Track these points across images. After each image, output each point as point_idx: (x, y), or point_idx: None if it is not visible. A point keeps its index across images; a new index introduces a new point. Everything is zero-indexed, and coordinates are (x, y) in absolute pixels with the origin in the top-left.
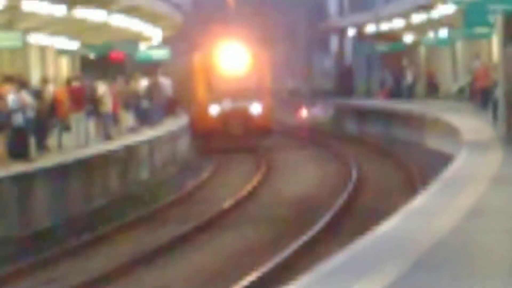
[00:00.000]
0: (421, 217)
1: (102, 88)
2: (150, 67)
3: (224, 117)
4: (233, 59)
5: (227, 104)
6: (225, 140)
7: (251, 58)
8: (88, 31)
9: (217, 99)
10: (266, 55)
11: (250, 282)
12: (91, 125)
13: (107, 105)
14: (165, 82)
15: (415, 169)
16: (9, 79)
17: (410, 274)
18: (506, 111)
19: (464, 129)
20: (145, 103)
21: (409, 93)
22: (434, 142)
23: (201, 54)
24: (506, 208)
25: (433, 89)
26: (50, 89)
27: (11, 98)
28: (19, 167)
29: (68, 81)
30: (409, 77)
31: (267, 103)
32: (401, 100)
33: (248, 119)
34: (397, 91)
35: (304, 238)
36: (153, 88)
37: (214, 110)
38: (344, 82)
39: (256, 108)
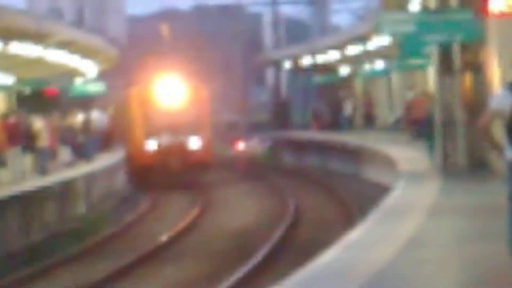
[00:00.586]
0: (359, 248)
1: (39, 123)
2: (86, 102)
3: (162, 152)
4: (171, 92)
5: (165, 139)
6: (163, 175)
7: (189, 91)
8: (23, 66)
9: (154, 134)
10: (204, 88)
11: None
12: (27, 160)
13: (44, 140)
14: (100, 116)
15: (353, 201)
16: None
17: None
18: (442, 141)
19: (400, 160)
20: (81, 138)
21: (348, 124)
22: (370, 173)
23: (138, 88)
24: (443, 239)
25: (370, 120)
26: None
27: None
28: None
29: (5, 116)
30: (348, 109)
31: (207, 137)
32: (339, 132)
33: (186, 154)
34: (334, 123)
35: (244, 270)
36: (88, 123)
37: (151, 145)
38: (281, 114)
39: (195, 143)
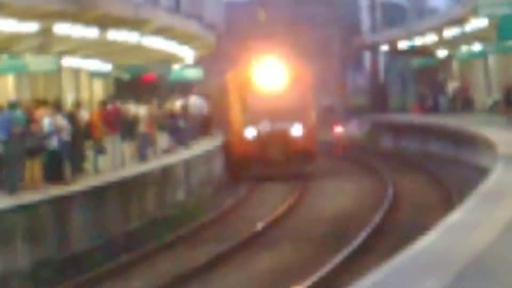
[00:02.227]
0: (459, 232)
1: (138, 109)
2: (184, 88)
3: (262, 140)
4: (271, 76)
5: (265, 126)
6: (263, 166)
7: (291, 75)
8: (121, 53)
9: (253, 121)
10: (308, 71)
11: None
12: (126, 147)
13: (143, 127)
14: (199, 102)
15: (452, 184)
16: (43, 102)
17: (453, 287)
18: None
19: (499, 143)
20: (180, 124)
21: (447, 107)
22: (470, 156)
23: (235, 72)
24: None
25: (467, 103)
26: (84, 112)
27: (46, 121)
28: (55, 191)
29: (103, 103)
30: (448, 92)
31: (310, 124)
32: (438, 115)
33: (288, 142)
34: (434, 106)
35: (343, 254)
36: (186, 109)
37: (250, 133)
38: (378, 98)
39: (297, 130)
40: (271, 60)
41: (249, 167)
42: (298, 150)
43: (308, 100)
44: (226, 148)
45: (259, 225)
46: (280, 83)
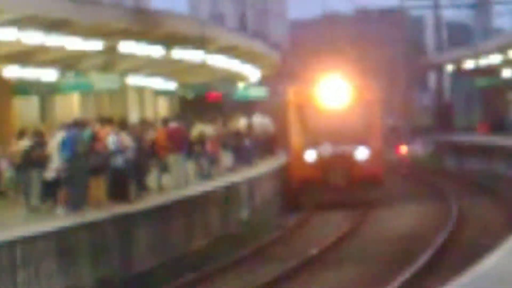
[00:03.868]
0: None
1: (207, 128)
2: (249, 106)
3: (323, 164)
4: (335, 94)
5: (327, 149)
6: (324, 192)
7: (356, 93)
8: (186, 71)
9: (314, 143)
10: (375, 89)
11: None
12: (190, 165)
13: (207, 145)
14: (264, 121)
15: None
16: (108, 121)
17: None
18: None
19: None
20: (244, 142)
21: None
22: None
23: (296, 89)
24: None
25: None
26: (150, 131)
27: (111, 140)
28: (119, 209)
29: (165, 122)
30: None
31: (377, 146)
32: (504, 135)
33: (352, 167)
34: (500, 126)
35: (407, 273)
36: (251, 127)
37: (311, 155)
38: (444, 118)
39: (363, 153)
40: (334, 77)
41: (308, 193)
42: (363, 175)
43: (374, 121)
44: (284, 171)
45: (313, 251)
46: (344, 102)
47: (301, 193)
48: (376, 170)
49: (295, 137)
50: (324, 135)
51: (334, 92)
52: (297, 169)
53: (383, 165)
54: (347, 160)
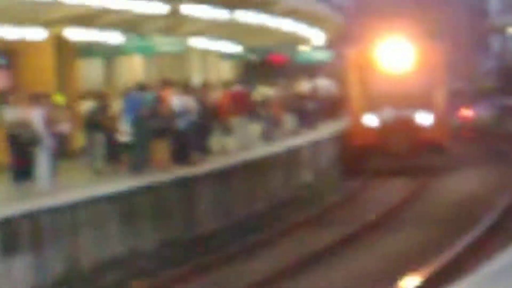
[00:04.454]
0: None
1: (270, 91)
2: (314, 69)
3: (384, 129)
4: (395, 55)
5: (389, 113)
6: (384, 159)
7: (420, 55)
8: (249, 34)
9: (375, 107)
10: (439, 51)
11: (416, 282)
12: (254, 128)
13: (267, 108)
14: (328, 84)
15: None
16: (170, 83)
17: None
18: None
19: None
20: (308, 105)
21: None
22: None
23: (356, 51)
24: None
25: None
26: (212, 93)
27: (176, 101)
28: (182, 172)
29: (227, 85)
30: None
31: (441, 111)
32: None
33: (415, 132)
34: None
35: (469, 237)
36: (315, 91)
37: (371, 120)
38: (507, 81)
39: (426, 119)
40: (396, 39)
41: (368, 159)
42: (426, 141)
43: (438, 84)
44: (343, 137)
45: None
46: (406, 64)
47: (361, 159)
48: (440, 136)
49: (356, 101)
50: (385, 99)
51: (396, 54)
52: (357, 134)
53: (447, 130)
54: (410, 125)
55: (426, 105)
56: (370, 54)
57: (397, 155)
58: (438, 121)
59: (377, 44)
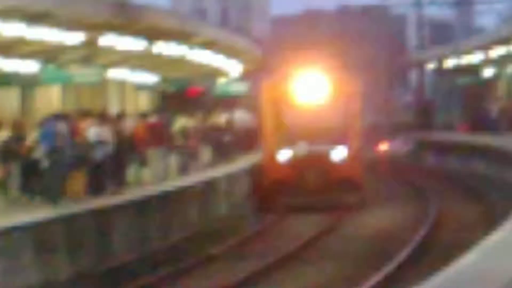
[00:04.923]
0: (499, 253)
1: (182, 122)
2: (230, 102)
3: (297, 165)
4: (312, 88)
5: (302, 148)
6: (298, 196)
7: (334, 88)
8: (167, 65)
9: (289, 141)
10: (355, 84)
11: None
12: (170, 160)
13: (186, 140)
14: (244, 116)
15: (496, 204)
16: (87, 114)
17: None
18: None
19: None
20: (224, 137)
21: (494, 127)
22: None
23: (269, 83)
24: None
25: None
26: (129, 124)
27: (92, 132)
28: (98, 202)
29: (144, 116)
30: (494, 111)
31: (356, 147)
32: (484, 134)
33: (329, 168)
34: (479, 125)
35: (383, 272)
36: (231, 123)
37: (284, 155)
38: (424, 116)
39: (340, 154)
40: (312, 71)
41: (281, 196)
42: (340, 177)
43: (354, 118)
44: (256, 171)
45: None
46: (322, 97)
47: (273, 195)
48: (354, 172)
49: (269, 134)
50: (299, 133)
51: (311, 87)
52: (270, 169)
53: (362, 166)
54: (324, 161)
55: (340, 140)
56: (284, 87)
57: (310, 191)
58: (353, 157)
59: (291, 76)
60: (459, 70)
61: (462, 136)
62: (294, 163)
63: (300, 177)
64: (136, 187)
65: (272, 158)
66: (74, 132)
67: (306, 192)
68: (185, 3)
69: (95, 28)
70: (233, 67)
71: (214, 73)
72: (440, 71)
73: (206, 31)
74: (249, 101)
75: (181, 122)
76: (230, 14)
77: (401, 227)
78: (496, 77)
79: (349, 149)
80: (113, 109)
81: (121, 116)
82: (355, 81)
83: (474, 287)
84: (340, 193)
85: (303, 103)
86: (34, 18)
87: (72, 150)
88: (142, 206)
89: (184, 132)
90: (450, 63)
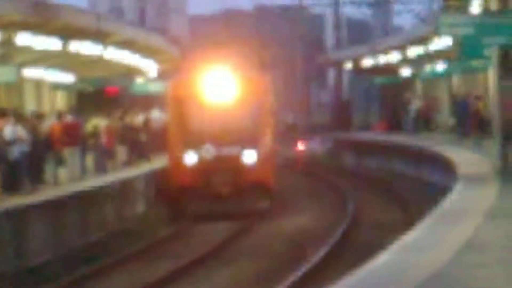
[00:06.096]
0: (414, 251)
1: (98, 122)
2: (148, 101)
3: (204, 169)
4: (219, 86)
5: (209, 151)
6: (205, 202)
7: (245, 86)
8: (84, 65)
9: (195, 144)
10: (266, 80)
11: None
12: (86, 159)
13: (102, 139)
14: (161, 115)
15: (412, 203)
16: (3, 113)
17: None
18: (501, 144)
19: (460, 163)
20: (141, 137)
21: (412, 127)
22: (431, 175)
23: (175, 81)
24: (501, 242)
25: (428, 123)
26: (45, 123)
27: (8, 131)
28: (14, 202)
29: (59, 115)
30: (413, 111)
31: (267, 148)
32: (401, 134)
33: (238, 172)
34: (397, 125)
35: (300, 271)
36: (148, 122)
37: (190, 159)
38: (342, 115)
39: (250, 156)
40: (219, 69)
41: (187, 202)
42: (250, 181)
43: (265, 118)
44: (160, 176)
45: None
46: (230, 96)
47: (179, 202)
48: (265, 176)
49: (174, 136)
50: (206, 135)
51: (218, 85)
52: (176, 173)
53: (274, 169)
54: (232, 164)
55: (249, 142)
56: (190, 85)
57: (219, 197)
58: (263, 159)
59: (196, 74)
60: (377, 70)
61: (380, 136)
62: (200, 167)
63: (207, 182)
64: (52, 186)
65: (177, 161)
66: None
67: (213, 198)
68: (102, 2)
69: (11, 26)
70: (150, 67)
71: (132, 72)
72: (357, 71)
73: (122, 30)
74: (164, 101)
75: (93, 122)
76: (147, 13)
77: (317, 227)
78: (413, 77)
79: (260, 151)
80: (29, 108)
81: (37, 115)
82: (266, 80)
83: (389, 285)
84: (250, 199)
85: (209, 102)
86: None
87: None
88: (59, 205)
89: (96, 132)
90: (367, 62)
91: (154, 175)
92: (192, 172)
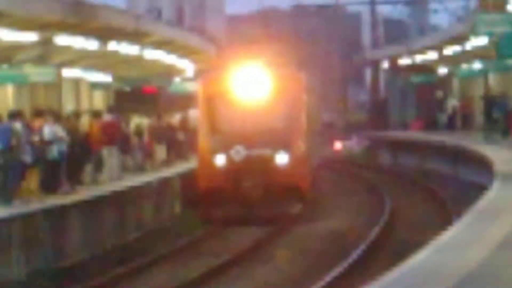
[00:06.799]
0: (452, 249)
1: (137, 121)
2: (185, 100)
3: (234, 172)
4: (251, 84)
5: (240, 153)
6: (235, 206)
7: (279, 83)
8: (121, 64)
9: (225, 145)
10: (302, 80)
11: None
12: (124, 158)
13: (141, 139)
14: (196, 114)
15: (449, 201)
16: (41, 112)
17: None
18: None
19: (497, 161)
20: (179, 136)
21: (447, 125)
22: (468, 173)
23: (206, 79)
24: None
25: (466, 121)
26: (83, 123)
27: (47, 130)
28: (52, 201)
29: (97, 115)
30: (448, 109)
31: (302, 149)
32: (437, 132)
33: (270, 174)
34: (433, 123)
35: (338, 270)
36: (185, 121)
37: (220, 161)
38: (379, 114)
39: (283, 158)
40: (252, 66)
41: (217, 205)
42: (283, 185)
43: (300, 118)
44: (190, 178)
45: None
46: (263, 95)
47: (208, 204)
48: (299, 178)
49: (204, 136)
50: (236, 136)
51: (250, 82)
52: (204, 176)
53: (309, 171)
54: (263, 166)
55: (282, 142)
56: (221, 84)
57: (248, 200)
58: (297, 162)
59: (227, 71)
60: (413, 68)
61: (416, 134)
62: (230, 168)
63: (237, 185)
64: (91, 186)
65: (206, 163)
66: (29, 131)
67: (243, 201)
68: (140, 2)
69: (49, 27)
70: (188, 66)
71: (169, 72)
72: (394, 70)
73: (160, 30)
74: None
75: (136, 121)
76: (185, 13)
77: (355, 225)
78: (450, 75)
79: (293, 152)
80: (68, 108)
81: (76, 115)
82: (303, 78)
83: (427, 283)
84: (281, 202)
85: (241, 101)
86: None
87: (27, 149)
88: (97, 204)
89: (139, 131)
90: (404, 61)
91: (189, 176)
92: (221, 174)
